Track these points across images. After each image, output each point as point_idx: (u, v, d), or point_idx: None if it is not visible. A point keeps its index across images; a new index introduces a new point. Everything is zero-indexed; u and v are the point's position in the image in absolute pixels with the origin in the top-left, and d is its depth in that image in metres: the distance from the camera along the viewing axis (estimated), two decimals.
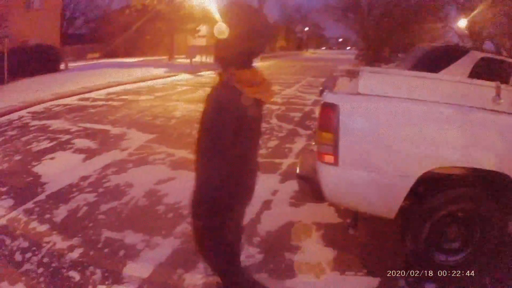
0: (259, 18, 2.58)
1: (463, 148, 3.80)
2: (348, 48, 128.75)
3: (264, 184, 6.39)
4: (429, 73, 4.59)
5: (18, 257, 4.43)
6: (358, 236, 4.82)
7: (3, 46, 21.14)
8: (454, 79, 4.23)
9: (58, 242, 4.74)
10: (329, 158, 3.86)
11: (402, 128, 3.83)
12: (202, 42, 47.30)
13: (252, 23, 2.51)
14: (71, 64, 29.66)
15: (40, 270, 4.18)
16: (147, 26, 39.65)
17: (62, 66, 27.89)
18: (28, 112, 13.15)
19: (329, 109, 3.83)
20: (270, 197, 6.03)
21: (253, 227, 5.08)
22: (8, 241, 4.76)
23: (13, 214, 5.50)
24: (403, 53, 38.85)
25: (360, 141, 3.86)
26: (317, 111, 12.59)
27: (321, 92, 4.50)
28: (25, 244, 4.69)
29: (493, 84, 3.94)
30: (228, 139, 2.44)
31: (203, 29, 40.42)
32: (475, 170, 3.85)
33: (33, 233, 4.98)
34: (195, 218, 2.64)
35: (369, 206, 4.08)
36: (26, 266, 4.25)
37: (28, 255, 4.46)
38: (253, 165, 2.83)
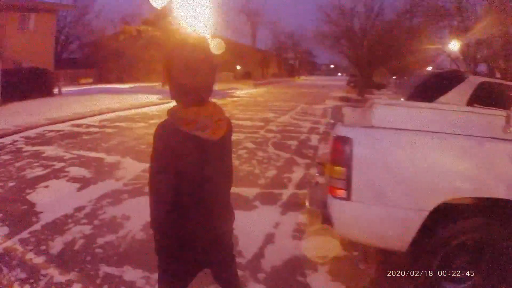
0: (194, 58, 2.53)
1: (476, 178, 3.76)
2: (339, 74, 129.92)
3: (265, 216, 6.31)
4: (442, 104, 4.52)
5: None
6: (367, 270, 4.68)
7: None
8: (465, 109, 4.17)
9: (56, 275, 4.55)
10: (342, 192, 3.80)
11: (416, 161, 3.76)
12: None
13: (186, 64, 2.50)
14: (65, 89, 29.62)
15: None
16: (141, 52, 39.86)
17: (55, 90, 27.80)
18: (22, 137, 13.08)
19: (342, 142, 3.77)
20: (272, 230, 5.85)
21: (257, 262, 4.93)
22: (5, 271, 4.60)
23: (8, 243, 5.34)
24: (396, 78, 39.20)
25: (374, 175, 3.79)
26: (313, 139, 12.64)
27: (333, 125, 4.41)
28: (23, 275, 4.52)
29: (503, 113, 3.90)
30: (162, 167, 2.51)
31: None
32: (486, 199, 3.79)
33: (30, 265, 4.79)
34: None
35: (382, 240, 4.01)
36: None
37: (27, 287, 4.30)
38: (201, 199, 2.65)
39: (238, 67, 66.17)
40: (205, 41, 2.55)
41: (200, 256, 2.79)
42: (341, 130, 3.86)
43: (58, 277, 4.52)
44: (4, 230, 5.76)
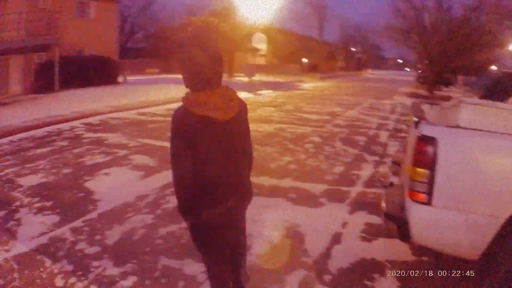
0: (193, 49, 2.80)
1: None
2: (407, 69, 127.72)
3: (333, 215, 6.03)
4: None
5: (59, 281, 4.07)
6: (437, 277, 4.35)
7: (53, 54, 21.24)
8: None
9: (109, 267, 4.39)
10: (423, 196, 3.58)
11: (500, 166, 3.52)
12: (261, 61, 47.01)
13: (185, 54, 2.82)
14: (129, 78, 30.00)
15: None
16: None
17: (120, 79, 28.17)
18: (82, 123, 13.13)
19: (427, 143, 3.57)
20: (340, 230, 5.55)
21: (323, 262, 4.67)
22: (48, 263, 4.42)
23: (57, 232, 5.21)
24: (463, 75, 38.15)
25: (457, 179, 3.56)
26: (382, 135, 12.23)
27: (417, 123, 4.11)
28: (69, 268, 4.34)
29: None
30: (177, 149, 2.76)
31: (264, 48, 40.62)
32: None
33: (80, 256, 4.63)
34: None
35: (457, 247, 3.76)
36: None
37: (72, 280, 4.11)
38: (217, 178, 2.90)
39: (305, 60, 65.67)
40: (207, 33, 2.49)
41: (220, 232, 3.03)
42: (426, 129, 3.65)
43: (112, 269, 4.35)
44: (54, 218, 5.65)
